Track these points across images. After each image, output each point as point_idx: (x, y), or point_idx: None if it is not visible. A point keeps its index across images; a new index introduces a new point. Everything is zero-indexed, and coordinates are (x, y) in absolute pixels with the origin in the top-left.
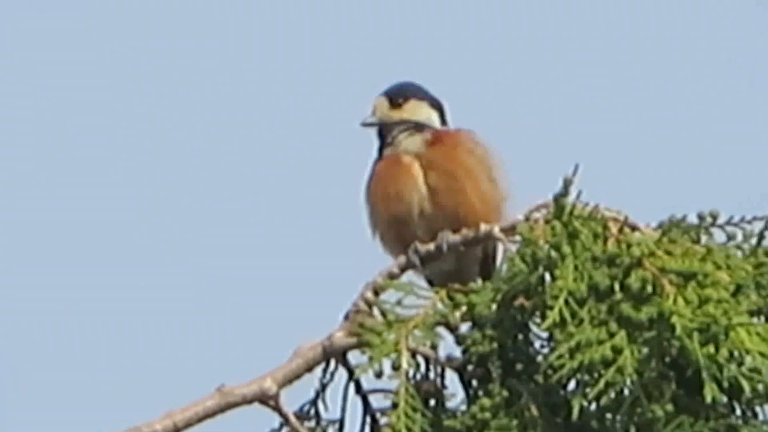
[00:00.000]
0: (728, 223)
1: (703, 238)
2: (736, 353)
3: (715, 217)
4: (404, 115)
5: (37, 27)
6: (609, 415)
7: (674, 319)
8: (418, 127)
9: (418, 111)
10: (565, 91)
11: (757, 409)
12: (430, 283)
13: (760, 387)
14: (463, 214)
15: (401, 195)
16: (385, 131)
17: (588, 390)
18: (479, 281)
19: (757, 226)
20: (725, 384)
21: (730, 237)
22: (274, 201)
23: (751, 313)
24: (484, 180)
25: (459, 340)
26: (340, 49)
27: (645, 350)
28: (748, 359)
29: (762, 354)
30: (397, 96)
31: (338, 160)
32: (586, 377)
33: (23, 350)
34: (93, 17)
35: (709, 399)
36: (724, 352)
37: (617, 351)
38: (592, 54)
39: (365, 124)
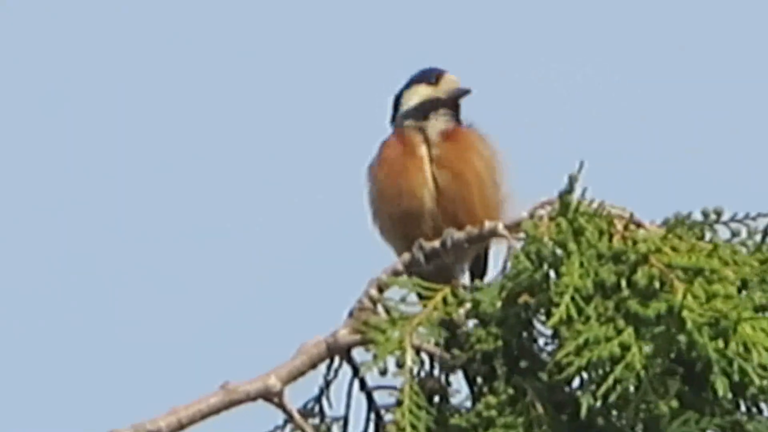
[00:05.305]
0: (732, 219)
1: (707, 235)
2: (743, 348)
3: (719, 214)
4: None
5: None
6: (615, 412)
7: (685, 313)
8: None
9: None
10: (569, 87)
11: (762, 405)
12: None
13: (766, 383)
14: (462, 216)
15: (413, 191)
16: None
17: (595, 387)
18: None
19: (762, 222)
20: (734, 378)
21: (735, 234)
22: (276, 198)
23: (756, 309)
24: (489, 185)
25: (463, 338)
26: (337, 48)
27: (652, 347)
28: (754, 355)
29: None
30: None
31: (343, 156)
32: (593, 375)
33: (25, 347)
34: (93, 17)
35: (721, 393)
36: (733, 346)
37: (625, 348)
38: (595, 48)
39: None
